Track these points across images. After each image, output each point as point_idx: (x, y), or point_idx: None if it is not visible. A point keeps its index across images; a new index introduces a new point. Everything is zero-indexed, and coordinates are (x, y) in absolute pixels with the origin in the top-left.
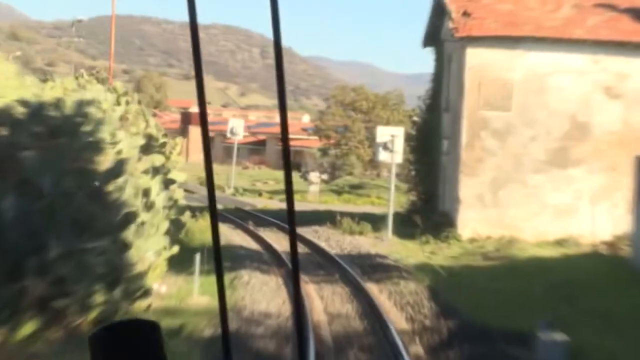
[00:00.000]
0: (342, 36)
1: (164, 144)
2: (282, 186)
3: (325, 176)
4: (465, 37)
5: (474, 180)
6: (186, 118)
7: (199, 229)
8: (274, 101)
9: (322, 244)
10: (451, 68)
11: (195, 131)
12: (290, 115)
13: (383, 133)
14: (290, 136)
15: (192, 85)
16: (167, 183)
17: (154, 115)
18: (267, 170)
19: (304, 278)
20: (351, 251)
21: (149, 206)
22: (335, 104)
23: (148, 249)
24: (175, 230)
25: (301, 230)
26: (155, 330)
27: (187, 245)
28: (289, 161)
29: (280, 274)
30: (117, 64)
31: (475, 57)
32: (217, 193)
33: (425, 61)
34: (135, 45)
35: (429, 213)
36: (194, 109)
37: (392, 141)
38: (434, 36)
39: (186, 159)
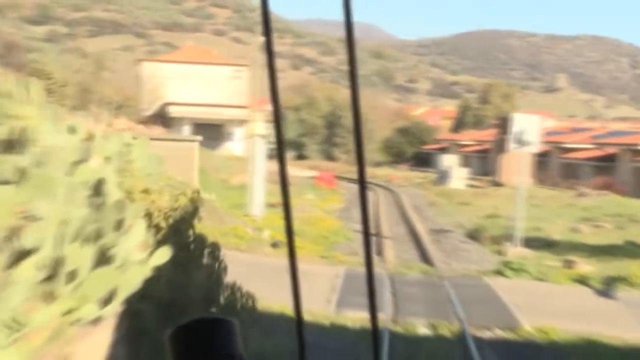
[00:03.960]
0: None
1: None
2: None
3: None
4: None
5: None
6: (504, 127)
7: None
8: None
9: None
10: None
11: None
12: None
13: None
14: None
15: (553, 98)
16: None
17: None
18: (614, 199)
19: None
20: None
21: None
22: None
23: None
24: None
25: None
26: (233, 328)
27: None
28: (362, 166)
29: None
30: (478, 78)
31: None
32: (489, 256)
33: None
34: (499, 60)
35: None
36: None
37: None
38: None
39: (500, 181)
